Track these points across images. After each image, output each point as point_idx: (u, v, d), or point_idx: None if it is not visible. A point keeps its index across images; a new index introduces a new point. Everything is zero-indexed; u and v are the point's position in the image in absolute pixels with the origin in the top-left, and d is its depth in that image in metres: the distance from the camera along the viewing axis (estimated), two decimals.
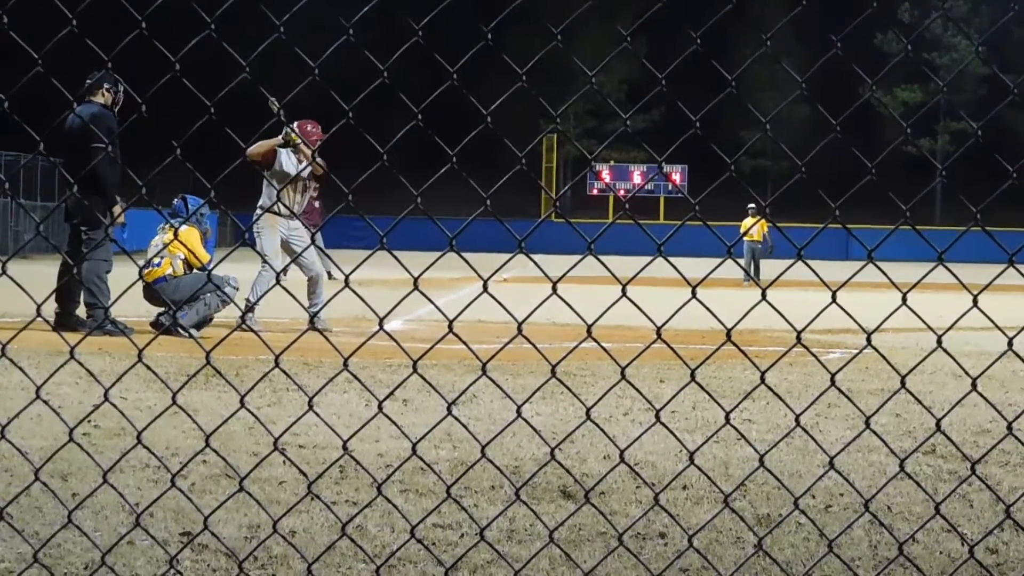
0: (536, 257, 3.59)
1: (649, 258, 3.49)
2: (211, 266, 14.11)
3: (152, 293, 14.26)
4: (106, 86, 14.37)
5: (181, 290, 14.33)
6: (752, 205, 35.68)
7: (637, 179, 67.02)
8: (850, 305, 3.75)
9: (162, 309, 14.35)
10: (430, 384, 4.00)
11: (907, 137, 4.20)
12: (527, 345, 3.59)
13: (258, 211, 15.27)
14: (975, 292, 3.86)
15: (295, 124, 15.16)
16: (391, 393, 4.19)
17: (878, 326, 3.99)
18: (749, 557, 5.25)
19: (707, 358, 3.85)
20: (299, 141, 14.99)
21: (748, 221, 34.94)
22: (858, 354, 11.72)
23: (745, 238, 34.31)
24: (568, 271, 3.50)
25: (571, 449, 7.56)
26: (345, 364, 3.44)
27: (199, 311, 14.29)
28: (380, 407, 3.49)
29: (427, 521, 5.64)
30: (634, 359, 3.80)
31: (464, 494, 6.34)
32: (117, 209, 14.05)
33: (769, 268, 35.34)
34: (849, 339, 15.10)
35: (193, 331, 13.89)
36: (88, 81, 14.28)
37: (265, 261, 15.03)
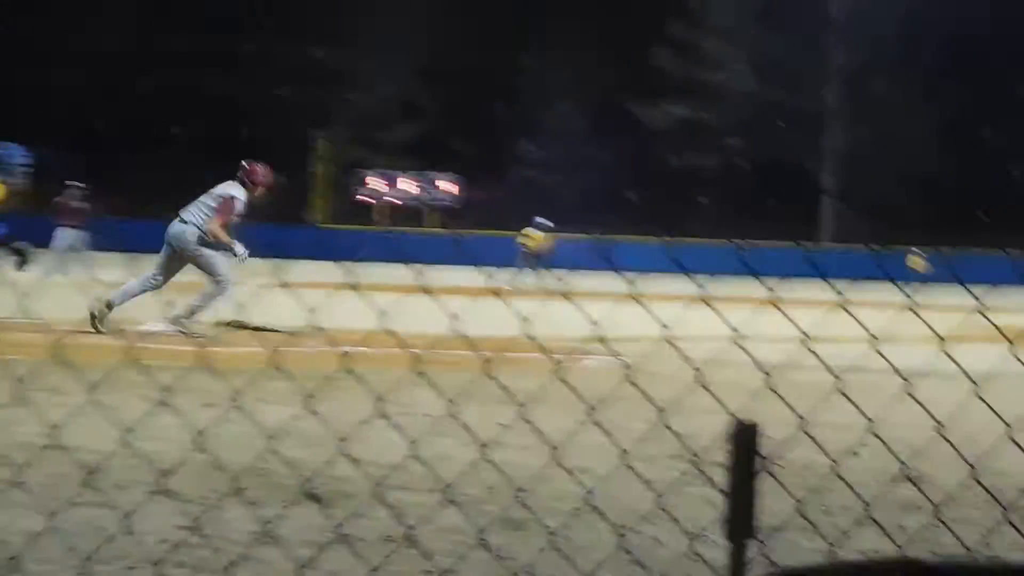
0: (307, 264, 3.51)
1: (420, 266, 3.45)
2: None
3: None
4: None
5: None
6: (539, 219, 36.06)
7: (404, 187, 67.39)
8: (618, 314, 3.75)
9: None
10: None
11: (677, 153, 4.23)
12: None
13: (193, 231, 15.15)
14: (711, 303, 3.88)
15: (246, 165, 15.79)
16: None
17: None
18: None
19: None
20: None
21: (531, 231, 35.33)
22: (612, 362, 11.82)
23: (524, 248, 34.71)
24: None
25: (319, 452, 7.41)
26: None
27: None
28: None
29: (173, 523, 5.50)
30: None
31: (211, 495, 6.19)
32: None
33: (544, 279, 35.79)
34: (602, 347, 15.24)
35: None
36: None
37: (218, 275, 15.10)
